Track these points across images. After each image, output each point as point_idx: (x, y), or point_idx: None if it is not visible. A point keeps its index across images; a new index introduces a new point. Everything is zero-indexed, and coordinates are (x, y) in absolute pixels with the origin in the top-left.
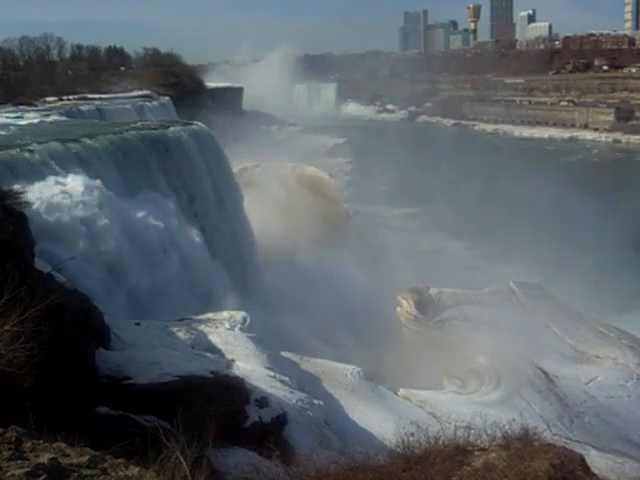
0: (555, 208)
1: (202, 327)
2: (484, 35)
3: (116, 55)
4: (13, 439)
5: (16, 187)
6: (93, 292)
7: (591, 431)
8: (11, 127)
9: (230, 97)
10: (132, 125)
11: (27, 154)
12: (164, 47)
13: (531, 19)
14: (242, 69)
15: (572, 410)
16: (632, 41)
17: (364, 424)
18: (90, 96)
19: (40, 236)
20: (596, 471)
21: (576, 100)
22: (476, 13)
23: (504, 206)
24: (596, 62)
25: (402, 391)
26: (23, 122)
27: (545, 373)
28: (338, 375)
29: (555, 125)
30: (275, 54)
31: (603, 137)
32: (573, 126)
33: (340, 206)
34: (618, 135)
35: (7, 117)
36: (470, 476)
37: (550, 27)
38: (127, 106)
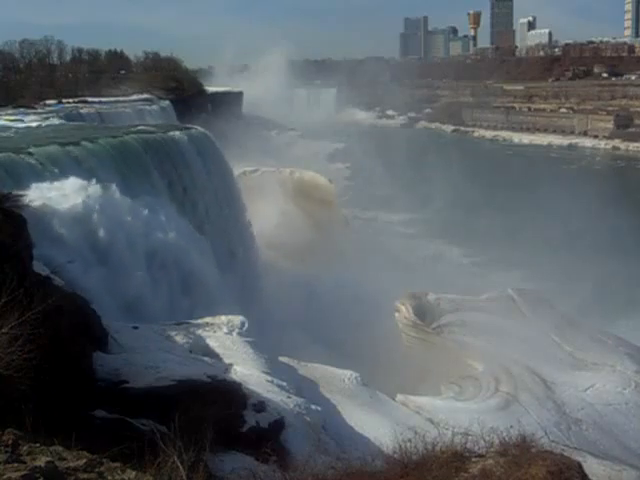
0: (555, 216)
1: (200, 331)
2: (484, 42)
3: (116, 59)
4: (10, 442)
5: (15, 190)
6: (90, 295)
7: (589, 438)
8: (10, 130)
9: (230, 101)
10: (132, 129)
11: (26, 157)
12: (164, 51)
13: (531, 26)
14: (242, 73)
15: (570, 417)
16: (632, 49)
17: (361, 430)
18: (90, 99)
19: (38, 239)
20: (594, 478)
21: (575, 107)
22: (476, 20)
23: (504, 213)
24: (596, 69)
25: (400, 397)
26: (23, 125)
27: (543, 380)
28: (336, 380)
29: (554, 132)
30: (275, 59)
31: (602, 144)
32: (572, 133)
33: (339, 211)
34: (617, 142)
35: (7, 120)
36: None
37: (550, 34)
38: (127, 110)
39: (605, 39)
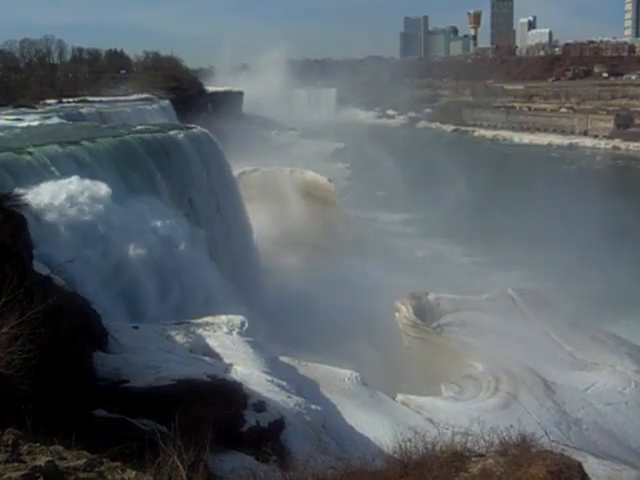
0: (555, 216)
1: (200, 331)
2: (484, 41)
3: (116, 58)
4: (10, 442)
5: (15, 189)
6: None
7: (589, 438)
8: (11, 130)
9: (230, 101)
10: (132, 128)
11: (26, 156)
12: (164, 51)
13: (531, 26)
14: (242, 73)
15: (570, 417)
16: (632, 48)
17: (362, 429)
18: (90, 99)
19: (39, 239)
20: (594, 478)
21: (576, 107)
22: (476, 19)
23: (504, 213)
24: (596, 69)
25: (400, 397)
26: (23, 124)
27: (543, 379)
28: (336, 380)
29: (554, 132)
30: (275, 59)
31: (602, 144)
32: (572, 133)
33: (339, 211)
34: (617, 142)
35: (7, 119)
36: None
37: (550, 34)
38: (127, 109)
39: (605, 39)
